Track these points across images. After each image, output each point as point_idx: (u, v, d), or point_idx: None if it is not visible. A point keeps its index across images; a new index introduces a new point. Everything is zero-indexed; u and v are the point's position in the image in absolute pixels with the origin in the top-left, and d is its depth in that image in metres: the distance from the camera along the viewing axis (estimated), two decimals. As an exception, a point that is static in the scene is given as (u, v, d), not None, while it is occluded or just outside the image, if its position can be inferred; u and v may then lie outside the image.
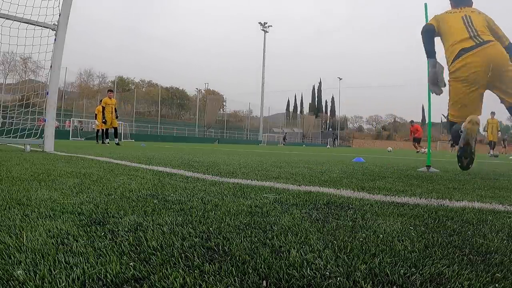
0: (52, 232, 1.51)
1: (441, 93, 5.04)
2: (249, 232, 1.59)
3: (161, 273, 1.12)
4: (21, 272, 1.09)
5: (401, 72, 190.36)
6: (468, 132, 4.51)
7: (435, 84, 5.01)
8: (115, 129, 18.16)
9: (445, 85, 5.02)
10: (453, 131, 4.95)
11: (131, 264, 1.19)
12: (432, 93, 5.18)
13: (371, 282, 1.10)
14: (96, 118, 20.83)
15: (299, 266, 1.21)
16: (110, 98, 18.16)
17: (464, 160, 4.92)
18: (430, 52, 5.08)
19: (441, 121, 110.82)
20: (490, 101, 5.28)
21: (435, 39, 5.29)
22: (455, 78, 4.94)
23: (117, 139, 17.85)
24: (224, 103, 79.82)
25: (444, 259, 1.31)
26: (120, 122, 33.52)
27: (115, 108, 18.05)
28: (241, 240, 1.47)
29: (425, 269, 1.21)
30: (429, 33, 5.25)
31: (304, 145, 61.44)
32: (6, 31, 7.88)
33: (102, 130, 19.02)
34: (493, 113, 20.70)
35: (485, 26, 4.92)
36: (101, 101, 18.88)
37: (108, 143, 17.86)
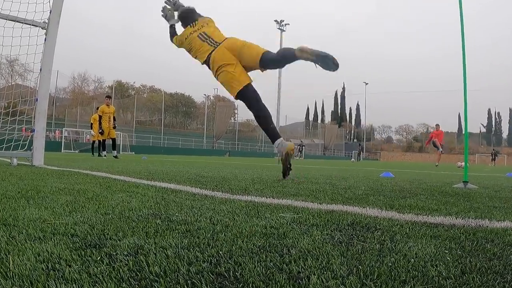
0: (42, 256, 1.52)
1: None
2: (264, 256, 1.59)
3: (164, 302, 1.12)
4: (8, 300, 1.10)
5: (434, 77, 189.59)
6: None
7: None
8: (113, 140, 18.22)
9: None
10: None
11: (130, 292, 1.19)
12: None
13: (402, 313, 1.09)
14: (91, 128, 20.96)
15: (320, 294, 1.20)
16: (108, 105, 18.24)
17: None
18: None
19: (480, 131, 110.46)
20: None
21: None
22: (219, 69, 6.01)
23: (116, 152, 17.92)
24: (236, 111, 79.98)
25: (483, 287, 1.30)
26: (119, 132, 33.73)
27: (113, 117, 18.11)
28: (255, 265, 1.47)
29: (464, 298, 1.20)
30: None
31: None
32: (-10, 30, 7.91)
33: (99, 141, 19.13)
34: None
35: (214, 29, 6.40)
36: (97, 108, 18.99)
37: (105, 155, 17.95)
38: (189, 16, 6.57)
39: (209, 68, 6.10)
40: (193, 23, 6.41)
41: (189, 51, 6.42)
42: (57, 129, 46.15)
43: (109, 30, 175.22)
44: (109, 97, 19.57)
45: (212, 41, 6.05)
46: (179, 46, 6.63)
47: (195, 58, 6.36)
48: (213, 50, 5.94)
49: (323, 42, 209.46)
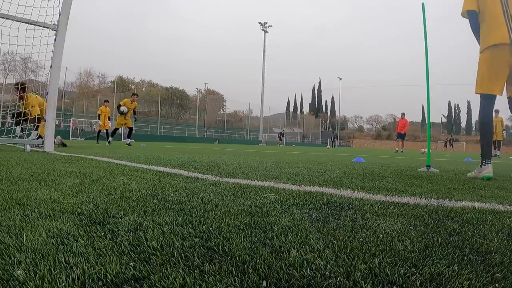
0: (52, 232, 1.51)
1: None
2: (249, 232, 1.59)
3: (161, 273, 1.12)
4: (21, 272, 1.09)
5: (401, 72, 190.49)
6: None
7: None
8: (130, 129, 17.99)
9: None
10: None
11: (131, 264, 1.19)
12: None
13: (371, 282, 1.10)
14: (99, 118, 21.14)
15: (299, 266, 1.21)
16: (132, 102, 17.94)
17: None
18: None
19: (441, 121, 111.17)
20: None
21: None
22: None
23: (129, 139, 17.74)
24: (224, 103, 79.81)
25: (444, 259, 1.31)
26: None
27: (134, 111, 17.91)
28: (241, 240, 1.47)
29: (425, 269, 1.21)
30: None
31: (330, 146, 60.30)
32: (6, 31, 7.90)
33: (106, 130, 19.21)
34: (497, 111, 20.29)
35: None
36: (106, 101, 19.00)
37: (109, 143, 17.82)
38: None
39: None
40: None
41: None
42: (67, 119, 45.80)
43: (112, 30, 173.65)
44: (136, 94, 18.98)
45: None
46: None
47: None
48: None
49: (303, 43, 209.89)
